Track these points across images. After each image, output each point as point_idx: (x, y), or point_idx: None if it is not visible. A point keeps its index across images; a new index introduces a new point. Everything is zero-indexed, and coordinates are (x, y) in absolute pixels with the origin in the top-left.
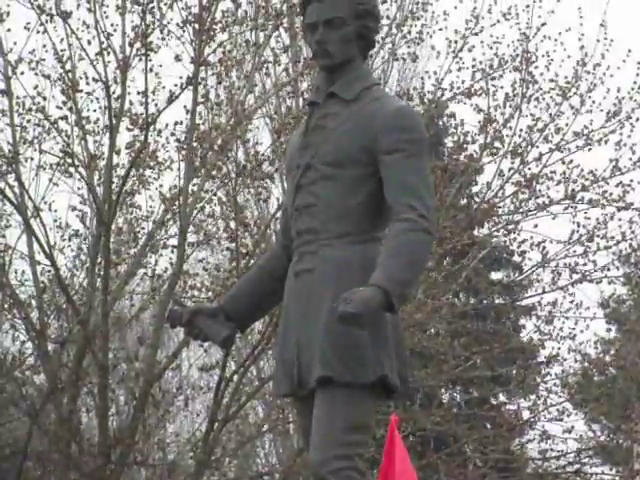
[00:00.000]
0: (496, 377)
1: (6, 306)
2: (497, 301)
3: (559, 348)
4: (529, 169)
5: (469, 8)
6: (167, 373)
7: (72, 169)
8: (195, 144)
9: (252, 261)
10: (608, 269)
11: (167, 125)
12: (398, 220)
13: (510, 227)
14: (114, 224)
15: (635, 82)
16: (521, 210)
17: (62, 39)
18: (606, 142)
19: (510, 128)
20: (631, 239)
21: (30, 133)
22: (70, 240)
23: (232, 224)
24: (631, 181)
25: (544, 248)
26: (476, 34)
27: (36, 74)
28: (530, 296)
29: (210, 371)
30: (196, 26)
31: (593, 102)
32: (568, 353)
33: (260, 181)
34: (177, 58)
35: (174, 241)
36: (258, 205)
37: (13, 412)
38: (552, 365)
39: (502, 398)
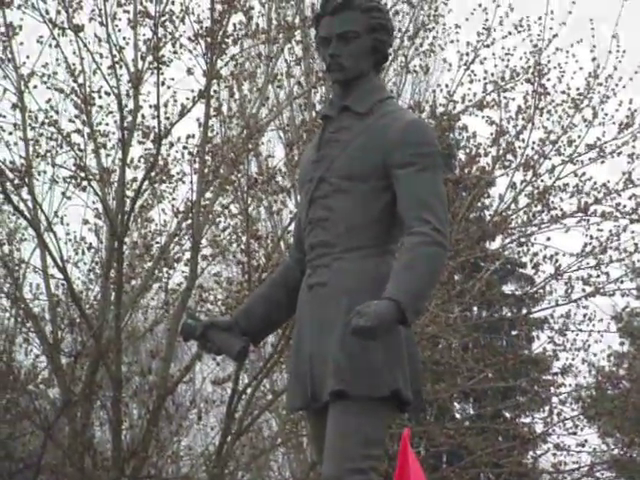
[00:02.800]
0: (509, 389)
1: (20, 320)
2: (509, 314)
3: (573, 359)
4: (542, 181)
5: (481, 20)
6: (180, 386)
7: (85, 183)
8: (207, 157)
9: (264, 274)
10: (621, 281)
11: (179, 138)
12: (411, 233)
13: (523, 240)
14: (128, 238)
15: None
16: (534, 223)
17: (75, 53)
18: (619, 154)
19: (522, 140)
20: None
21: (43, 147)
22: (84, 254)
23: (244, 237)
24: None
25: (557, 261)
26: (488, 46)
27: (49, 88)
28: (543, 309)
29: (223, 384)
30: (208, 39)
31: (606, 114)
32: (582, 364)
33: (273, 195)
34: (189, 71)
35: (187, 255)
36: (271, 218)
37: (27, 426)
38: (566, 376)
39: (515, 411)
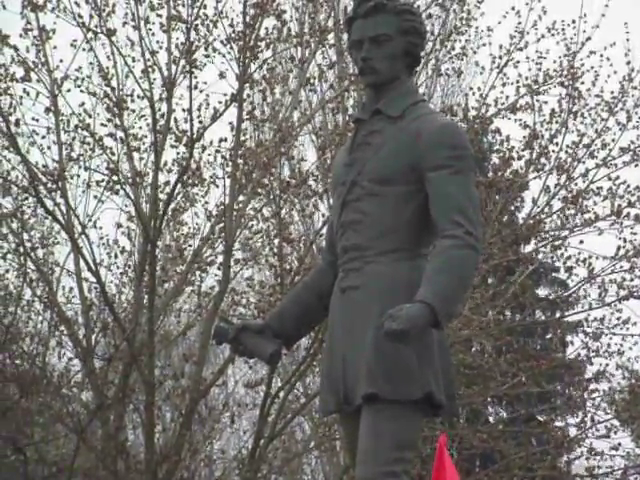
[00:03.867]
0: (543, 394)
1: (53, 323)
2: (543, 317)
3: (607, 365)
4: (575, 185)
5: (513, 23)
6: (213, 390)
7: (118, 186)
8: (240, 161)
9: (297, 277)
10: None
11: (212, 142)
12: (444, 237)
13: (556, 243)
14: (160, 241)
15: None
16: (567, 226)
17: (107, 56)
18: None
19: (556, 144)
20: None
21: (76, 150)
22: (116, 257)
23: (276, 241)
24: None
25: (590, 264)
26: (521, 49)
27: (82, 91)
28: (577, 312)
29: (256, 388)
30: (240, 43)
31: None
32: (616, 370)
33: (305, 198)
34: (222, 75)
35: (220, 258)
36: (303, 221)
37: (60, 429)
38: (600, 381)
39: (548, 415)
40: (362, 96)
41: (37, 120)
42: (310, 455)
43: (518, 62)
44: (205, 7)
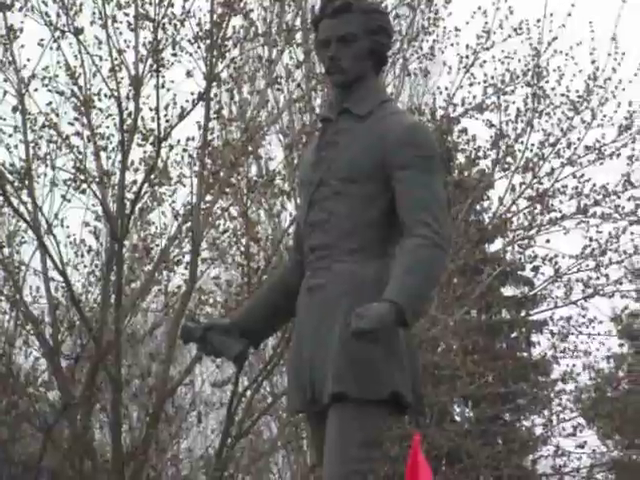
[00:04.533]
0: (508, 393)
1: (19, 322)
2: (508, 316)
3: (574, 365)
4: (541, 184)
5: (480, 23)
6: (180, 389)
7: (85, 185)
8: (207, 160)
9: (264, 277)
10: (620, 283)
11: (179, 141)
12: (411, 236)
13: (523, 242)
14: (127, 240)
15: None
16: (533, 225)
17: (75, 56)
18: (618, 156)
19: (522, 143)
20: None
21: (43, 149)
22: (83, 256)
23: (244, 240)
24: None
25: (556, 263)
26: (487, 49)
27: (49, 90)
28: (542, 310)
29: (223, 387)
30: (208, 42)
31: (604, 116)
32: (583, 370)
33: (272, 198)
34: (189, 74)
35: (188, 257)
36: (271, 221)
37: (26, 428)
38: (567, 382)
39: (514, 414)
40: (329, 95)
41: (4, 119)
42: (277, 454)
43: (485, 62)
44: (172, 6)
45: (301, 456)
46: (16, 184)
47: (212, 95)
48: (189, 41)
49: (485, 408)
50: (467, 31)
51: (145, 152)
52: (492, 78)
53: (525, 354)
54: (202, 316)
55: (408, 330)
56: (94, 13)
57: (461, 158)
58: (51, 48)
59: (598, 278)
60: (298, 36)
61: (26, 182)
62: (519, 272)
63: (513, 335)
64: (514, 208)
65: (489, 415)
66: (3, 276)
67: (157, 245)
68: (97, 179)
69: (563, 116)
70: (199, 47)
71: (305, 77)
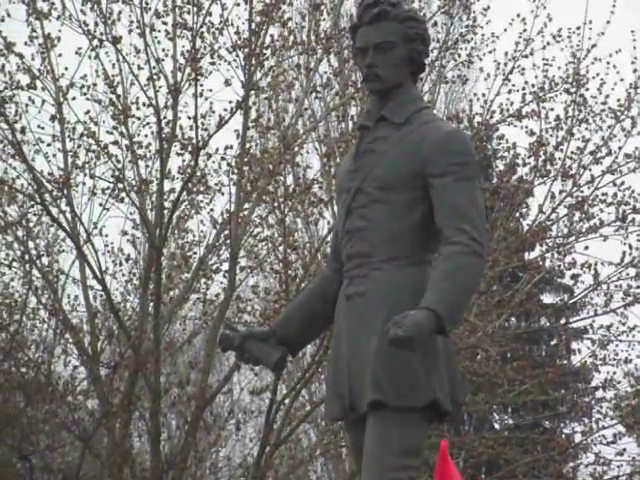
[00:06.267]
0: (548, 401)
1: (59, 331)
2: (548, 324)
3: (614, 373)
4: (581, 192)
5: (519, 30)
6: (219, 397)
7: (123, 194)
8: (245, 168)
9: (302, 285)
10: None
11: (217, 149)
12: (449, 243)
13: (562, 250)
14: (166, 249)
15: None
16: (572, 232)
17: (113, 64)
18: None
19: (561, 150)
20: None
21: (81, 158)
22: (122, 265)
23: (281, 248)
24: None
25: (596, 271)
26: (526, 56)
27: (87, 99)
28: (582, 318)
29: (261, 395)
30: (246, 50)
31: None
32: (624, 377)
33: (310, 206)
34: (227, 83)
35: (226, 266)
36: (308, 229)
37: (65, 437)
38: (607, 389)
39: (554, 421)
40: (366, 103)
41: (42, 128)
42: (316, 462)
43: (524, 69)
44: (210, 15)
45: (340, 464)
46: (55, 193)
47: (250, 103)
48: (227, 50)
49: (524, 415)
50: (505, 38)
51: (183, 161)
52: (533, 86)
53: (565, 362)
54: (240, 324)
55: (446, 337)
56: (132, 22)
57: (500, 165)
58: (89, 57)
59: (639, 287)
60: (335, 44)
61: (65, 191)
62: (558, 279)
63: (553, 343)
64: (554, 216)
65: (528, 423)
66: (42, 285)
67: (195, 253)
68: (135, 188)
69: (603, 124)
70: (237, 56)
71: (342, 85)
